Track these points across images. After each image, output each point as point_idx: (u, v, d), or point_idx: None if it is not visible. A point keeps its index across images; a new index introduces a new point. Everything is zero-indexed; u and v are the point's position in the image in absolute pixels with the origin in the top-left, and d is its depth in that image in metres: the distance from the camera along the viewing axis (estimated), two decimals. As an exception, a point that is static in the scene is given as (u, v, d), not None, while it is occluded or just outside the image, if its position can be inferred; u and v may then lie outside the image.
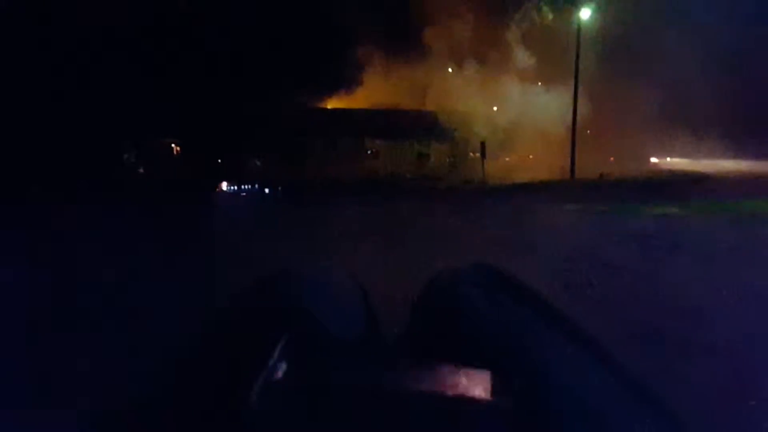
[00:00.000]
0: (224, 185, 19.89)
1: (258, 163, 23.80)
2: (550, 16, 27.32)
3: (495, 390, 0.39)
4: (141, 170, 20.24)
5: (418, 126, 30.20)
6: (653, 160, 30.83)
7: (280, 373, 0.45)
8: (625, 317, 3.11)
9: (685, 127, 25.13)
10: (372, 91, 32.61)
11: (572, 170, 22.25)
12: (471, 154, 28.75)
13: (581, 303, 3.39)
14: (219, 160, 22.96)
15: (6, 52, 17.36)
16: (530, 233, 6.81)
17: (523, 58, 27.11)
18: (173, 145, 22.88)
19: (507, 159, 25.97)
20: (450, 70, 28.69)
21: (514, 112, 25.68)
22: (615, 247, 5.68)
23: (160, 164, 20.50)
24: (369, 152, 31.98)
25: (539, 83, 26.82)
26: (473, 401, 0.38)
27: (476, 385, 0.42)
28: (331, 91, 32.58)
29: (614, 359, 0.45)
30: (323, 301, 0.58)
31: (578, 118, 22.34)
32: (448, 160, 31.98)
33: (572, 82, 22.14)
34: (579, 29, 22.51)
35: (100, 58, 19.92)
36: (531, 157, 26.53)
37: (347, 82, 32.35)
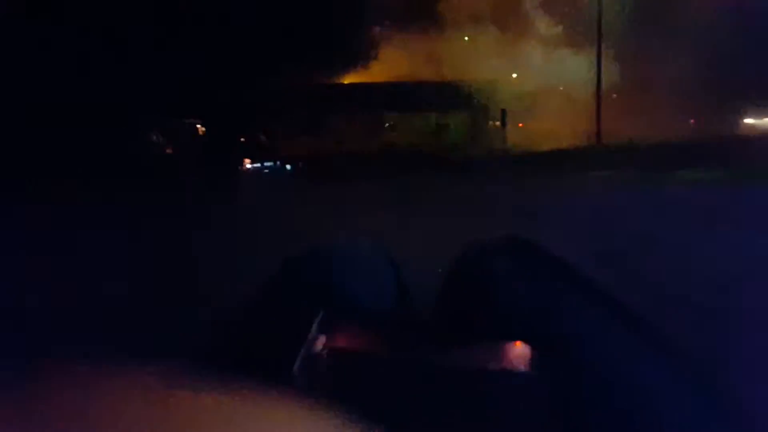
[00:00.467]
0: (247, 163, 20.08)
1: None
2: None
3: (531, 363, 0.40)
4: (168, 150, 20.55)
5: (436, 96, 29.69)
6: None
7: (318, 348, 0.47)
8: (653, 289, 3.06)
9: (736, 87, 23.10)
10: (389, 64, 32.09)
11: (598, 135, 21.71)
12: (491, 122, 28.24)
13: (610, 276, 3.35)
14: (242, 139, 23.15)
15: (32, 35, 17.58)
16: (554, 204, 6.72)
17: (543, 22, 26.23)
18: (198, 125, 23.12)
19: (523, 125, 25.36)
20: (466, 38, 27.96)
21: (536, 78, 25.00)
22: (643, 217, 5.56)
23: (186, 144, 20.78)
24: (387, 125, 31.70)
25: (564, 47, 25.96)
26: (509, 374, 0.39)
27: (512, 357, 0.42)
28: (348, 66, 32.18)
29: (653, 330, 0.45)
30: (356, 276, 0.59)
31: (609, 81, 21.66)
32: (468, 129, 31.47)
33: (601, 45, 21.43)
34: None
35: (124, 43, 20.04)
36: (522, 123, 25.54)
37: (364, 57, 31.86)
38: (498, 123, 24.53)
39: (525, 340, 0.44)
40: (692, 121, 23.13)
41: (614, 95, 23.61)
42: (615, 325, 0.48)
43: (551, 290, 0.55)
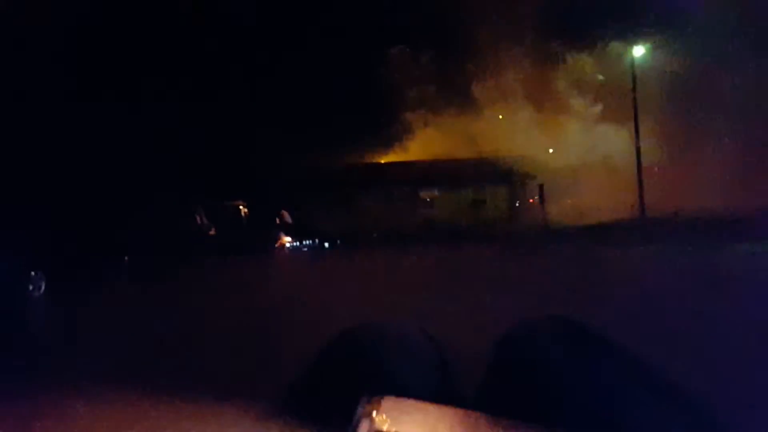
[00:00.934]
0: (287, 242, 20.52)
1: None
2: (600, 77, 26.93)
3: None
4: (212, 232, 21.36)
5: (472, 173, 30.10)
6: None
7: (364, 430, 0.46)
8: (717, 367, 2.84)
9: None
10: (426, 143, 33.16)
11: (642, 208, 21.18)
12: (530, 199, 28.14)
13: (667, 355, 3.14)
14: (282, 218, 23.91)
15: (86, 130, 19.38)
16: (600, 282, 6.48)
17: (577, 98, 26.78)
18: (241, 206, 24.15)
19: (570, 201, 25.00)
20: (500, 116, 28.73)
21: (574, 154, 25.06)
22: (696, 292, 5.27)
23: (230, 225, 21.57)
24: (424, 201, 32.04)
25: (600, 122, 26.22)
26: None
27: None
28: (387, 147, 33.67)
29: (706, 411, 0.43)
30: (400, 356, 0.59)
31: (652, 155, 21.50)
32: (506, 205, 31.41)
33: (641, 120, 21.56)
34: (633, 65, 22.20)
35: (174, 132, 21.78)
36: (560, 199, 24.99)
37: (401, 138, 33.34)
38: (537, 198, 24.46)
39: (571, 423, 0.43)
40: None
41: (655, 168, 23.22)
42: (668, 407, 0.46)
43: (599, 371, 0.53)
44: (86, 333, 4.51)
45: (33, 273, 6.94)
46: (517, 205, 29.85)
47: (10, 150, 17.32)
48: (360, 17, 28.29)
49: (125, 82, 22.73)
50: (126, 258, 16.93)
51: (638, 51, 22.79)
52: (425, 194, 32.02)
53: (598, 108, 26.57)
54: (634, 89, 21.75)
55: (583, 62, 27.42)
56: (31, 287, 6.87)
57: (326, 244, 20.17)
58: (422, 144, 33.55)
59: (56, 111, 19.10)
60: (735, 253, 8.15)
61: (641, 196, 21.20)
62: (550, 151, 27.01)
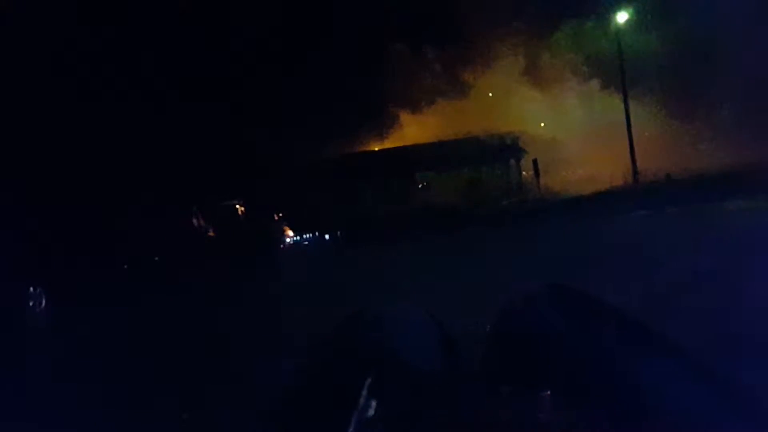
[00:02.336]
0: (288, 237, 20.57)
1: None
2: (586, 48, 26.72)
3: (583, 413, 0.39)
4: (211, 233, 21.29)
5: (466, 153, 30.09)
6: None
7: (371, 411, 0.47)
8: (718, 327, 2.87)
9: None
10: (418, 127, 33.10)
11: (635, 174, 21.26)
12: (524, 173, 28.19)
13: (668, 313, 3.17)
14: (280, 214, 23.91)
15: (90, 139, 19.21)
16: (597, 246, 6.51)
17: (568, 71, 26.67)
18: (237, 206, 24.07)
19: (564, 173, 25.07)
20: (490, 94, 28.64)
21: (566, 126, 25.07)
22: (691, 250, 5.30)
23: (228, 226, 21.53)
24: (420, 186, 32.07)
25: (590, 95, 26.16)
26: (562, 426, 0.38)
27: (563, 408, 0.42)
28: (379, 133, 33.68)
29: (713, 373, 0.44)
30: (403, 337, 0.60)
31: (643, 121, 21.50)
32: (501, 182, 31.48)
33: (630, 88, 21.50)
34: (617, 32, 22.10)
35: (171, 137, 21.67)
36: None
37: (393, 124, 33.31)
38: (531, 172, 24.54)
39: (578, 392, 0.44)
40: None
41: (646, 134, 23.25)
42: (677, 371, 0.47)
43: (603, 338, 0.54)
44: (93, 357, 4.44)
45: (32, 289, 6.68)
46: (512, 181, 29.91)
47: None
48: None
49: (119, 83, 22.48)
50: (125, 266, 16.88)
51: (622, 17, 22.68)
52: (421, 178, 32.03)
53: (587, 79, 26.51)
54: (620, 52, 21.66)
55: (570, 32, 27.28)
56: (31, 303, 6.63)
57: (327, 236, 20.22)
58: (414, 128, 33.47)
59: (49, 114, 18.85)
60: (725, 208, 8.20)
61: (634, 163, 21.26)
62: (542, 125, 27.02)
